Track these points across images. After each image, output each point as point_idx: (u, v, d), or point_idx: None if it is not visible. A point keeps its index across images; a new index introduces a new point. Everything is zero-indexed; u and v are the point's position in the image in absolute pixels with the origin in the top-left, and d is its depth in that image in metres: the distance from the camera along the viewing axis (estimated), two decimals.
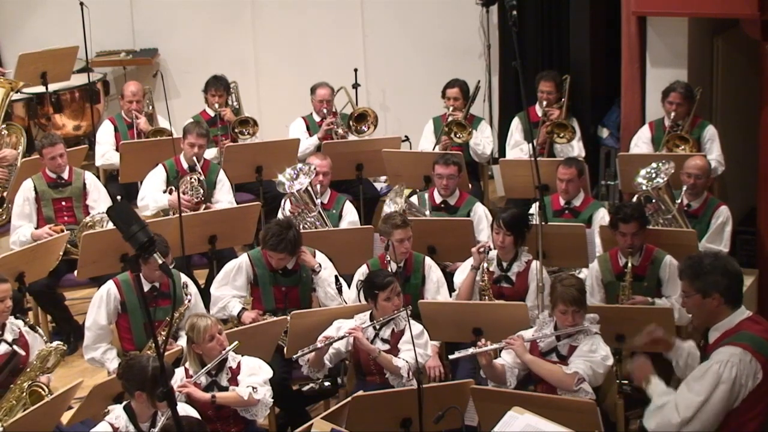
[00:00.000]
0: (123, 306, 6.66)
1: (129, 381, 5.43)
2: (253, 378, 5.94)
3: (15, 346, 6.17)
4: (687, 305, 5.00)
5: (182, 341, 6.40)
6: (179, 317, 6.56)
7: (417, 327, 6.26)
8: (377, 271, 6.56)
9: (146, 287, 6.68)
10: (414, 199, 7.96)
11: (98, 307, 6.66)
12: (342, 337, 6.22)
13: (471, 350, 5.99)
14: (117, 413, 5.45)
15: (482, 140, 8.94)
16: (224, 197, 8.17)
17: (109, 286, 6.68)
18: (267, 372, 6.00)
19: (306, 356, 6.22)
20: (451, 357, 6.25)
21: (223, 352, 5.92)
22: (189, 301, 6.65)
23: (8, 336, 6.23)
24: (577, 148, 8.70)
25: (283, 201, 7.86)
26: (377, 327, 6.31)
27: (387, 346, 6.30)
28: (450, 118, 8.87)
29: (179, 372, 6.00)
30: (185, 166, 8.11)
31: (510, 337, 5.98)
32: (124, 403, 5.49)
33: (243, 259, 6.97)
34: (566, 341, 5.97)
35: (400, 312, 6.28)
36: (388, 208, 7.65)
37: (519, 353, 5.94)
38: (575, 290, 5.92)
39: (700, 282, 4.86)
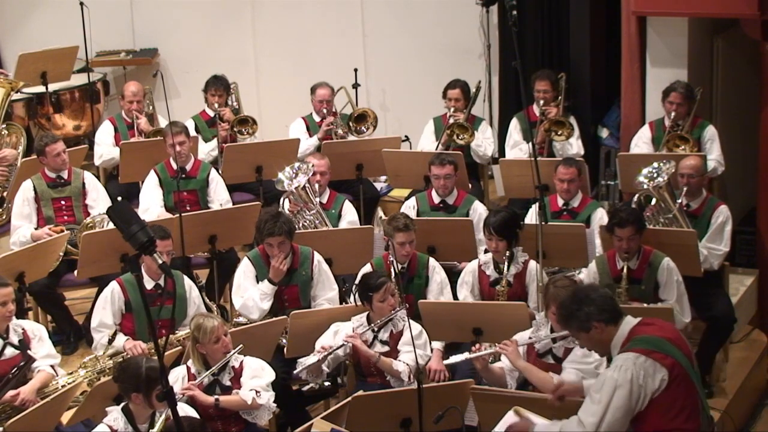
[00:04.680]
0: (127, 305, 6.70)
1: (124, 383, 5.42)
2: (257, 381, 5.94)
3: (15, 340, 6.18)
4: (584, 346, 5.16)
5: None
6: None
7: (416, 327, 6.26)
8: (370, 273, 6.56)
9: (150, 285, 6.70)
10: (413, 199, 7.96)
11: (103, 308, 6.70)
12: (340, 346, 6.23)
13: (466, 355, 5.99)
14: (115, 415, 5.44)
15: (483, 141, 8.94)
16: (220, 195, 8.19)
17: (113, 286, 6.73)
18: (270, 374, 6.00)
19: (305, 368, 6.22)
20: (445, 362, 6.25)
21: (228, 354, 5.92)
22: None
23: (13, 338, 6.24)
24: (576, 146, 8.70)
25: (281, 200, 7.87)
26: (375, 329, 6.32)
27: (386, 348, 6.31)
28: (451, 119, 8.86)
29: (179, 370, 6.01)
30: (175, 167, 8.11)
31: (504, 342, 5.96)
32: (122, 404, 5.49)
33: (244, 262, 7.02)
34: (562, 343, 5.96)
35: (397, 312, 6.28)
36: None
37: (512, 359, 5.90)
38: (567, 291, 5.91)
39: (575, 322, 4.97)
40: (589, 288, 5.18)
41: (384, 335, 6.34)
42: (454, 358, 6.07)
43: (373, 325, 6.30)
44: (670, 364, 4.79)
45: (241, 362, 6.01)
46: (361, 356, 6.28)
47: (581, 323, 4.93)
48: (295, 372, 6.23)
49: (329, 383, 6.38)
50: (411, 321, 6.04)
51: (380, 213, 8.97)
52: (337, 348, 6.21)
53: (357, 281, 6.68)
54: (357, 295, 6.43)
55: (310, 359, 6.22)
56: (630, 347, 4.84)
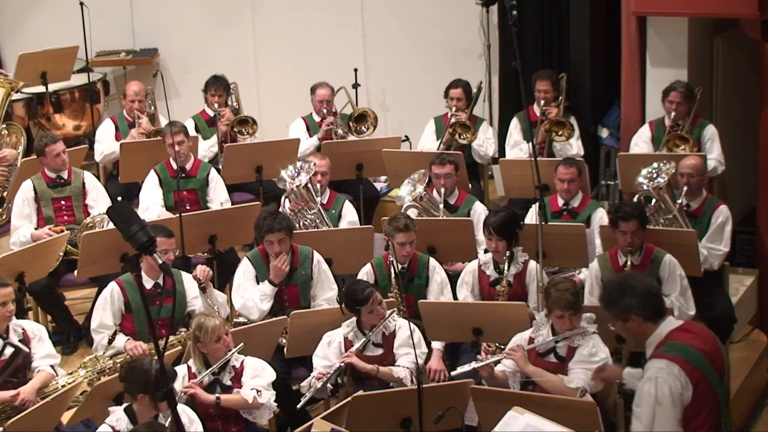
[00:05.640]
0: (127, 306, 6.70)
1: (131, 384, 5.42)
2: (257, 380, 5.95)
3: (20, 344, 6.18)
4: (617, 331, 5.09)
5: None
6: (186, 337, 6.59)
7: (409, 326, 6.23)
8: (354, 286, 6.45)
9: (150, 284, 6.71)
10: None
11: (103, 308, 6.70)
12: (338, 368, 6.20)
13: (472, 365, 5.99)
14: (118, 415, 5.44)
15: (485, 141, 8.95)
16: (219, 195, 8.20)
17: (113, 287, 6.72)
18: (271, 374, 6.00)
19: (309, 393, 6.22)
20: (453, 374, 6.23)
21: (229, 353, 5.93)
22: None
23: (13, 338, 6.23)
24: (576, 147, 8.70)
25: (282, 199, 7.88)
26: (368, 337, 6.31)
27: (380, 351, 6.31)
28: (453, 119, 8.87)
29: (180, 370, 6.01)
30: (175, 167, 8.12)
31: (510, 348, 5.98)
32: (125, 405, 5.49)
33: (244, 262, 7.03)
34: (565, 343, 5.97)
35: (386, 318, 6.27)
36: (405, 187, 7.67)
37: (521, 365, 5.92)
38: (570, 294, 5.92)
39: (614, 310, 4.93)
40: (638, 279, 5.03)
41: (377, 338, 6.33)
42: (461, 369, 6.06)
43: (365, 339, 6.28)
44: (697, 378, 4.74)
45: (242, 362, 6.01)
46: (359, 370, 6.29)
47: (620, 312, 4.88)
48: (298, 406, 6.18)
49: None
50: (404, 321, 6.04)
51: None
52: (335, 372, 6.20)
53: (360, 278, 6.68)
54: (344, 305, 6.41)
55: (310, 389, 6.19)
56: (663, 352, 4.78)
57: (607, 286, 5.06)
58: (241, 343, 5.99)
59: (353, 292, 6.34)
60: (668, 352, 4.77)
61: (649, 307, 4.86)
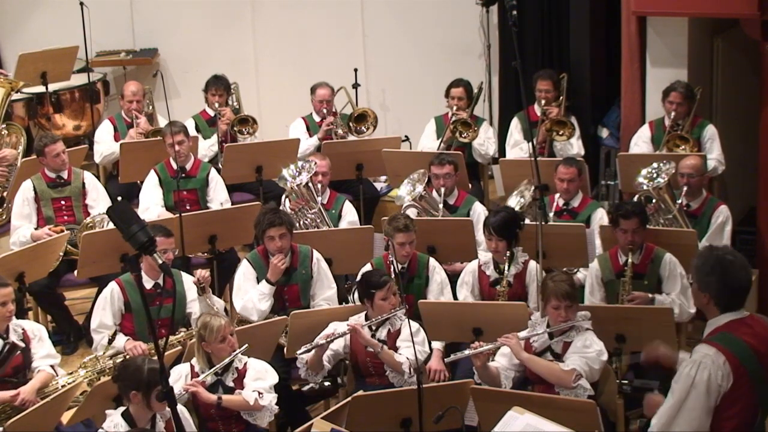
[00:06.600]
0: (127, 306, 6.70)
1: (124, 382, 5.41)
2: (260, 383, 5.94)
3: (14, 340, 6.17)
4: (692, 287, 5.02)
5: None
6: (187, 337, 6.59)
7: (413, 325, 6.24)
8: (372, 271, 6.55)
9: (150, 284, 6.71)
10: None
11: (103, 308, 6.70)
12: (344, 333, 6.22)
13: (467, 351, 6.00)
14: (115, 420, 5.42)
15: (485, 141, 8.95)
16: (219, 195, 8.20)
17: (113, 286, 6.73)
18: (273, 377, 6.00)
19: (305, 357, 6.21)
20: (446, 360, 6.25)
21: (233, 353, 5.92)
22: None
23: (13, 338, 6.22)
24: (576, 146, 8.70)
25: (282, 198, 7.88)
26: (373, 327, 6.31)
27: (384, 347, 6.30)
28: (454, 118, 8.87)
29: (182, 368, 6.02)
30: (175, 167, 8.12)
31: (505, 336, 5.98)
32: (122, 409, 5.47)
33: (244, 263, 7.03)
34: (560, 339, 5.98)
35: (397, 311, 6.28)
36: (404, 188, 7.71)
37: (515, 351, 5.93)
38: (566, 285, 5.94)
39: (696, 276, 4.89)
40: (735, 271, 4.85)
41: (381, 334, 6.33)
42: (455, 356, 6.08)
43: (371, 321, 6.29)
44: (740, 374, 4.69)
45: (245, 364, 6.00)
46: (359, 351, 6.27)
47: (698, 282, 4.84)
48: (298, 353, 6.22)
49: (329, 383, 6.38)
50: (409, 319, 6.05)
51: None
52: (341, 334, 6.20)
53: (358, 279, 6.68)
54: (357, 293, 6.42)
55: (314, 344, 6.20)
56: (716, 340, 4.75)
57: (707, 255, 4.88)
58: (245, 344, 5.98)
59: (370, 275, 6.37)
60: (720, 342, 4.74)
61: (724, 299, 4.83)
